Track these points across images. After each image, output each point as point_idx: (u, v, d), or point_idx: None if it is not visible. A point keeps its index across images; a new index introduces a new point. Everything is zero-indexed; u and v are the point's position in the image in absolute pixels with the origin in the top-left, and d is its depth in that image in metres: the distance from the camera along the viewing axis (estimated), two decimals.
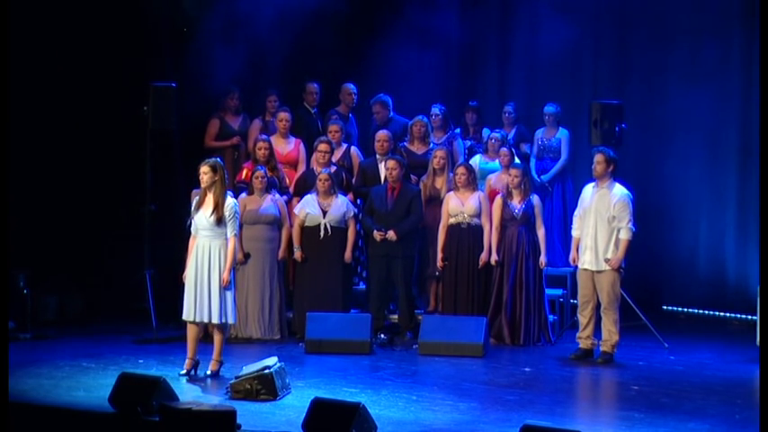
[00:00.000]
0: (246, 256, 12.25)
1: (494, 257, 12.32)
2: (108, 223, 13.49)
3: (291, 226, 12.50)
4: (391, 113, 13.69)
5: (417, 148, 13.17)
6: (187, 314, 10.50)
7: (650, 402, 9.86)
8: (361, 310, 12.72)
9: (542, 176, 13.68)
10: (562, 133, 13.73)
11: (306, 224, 12.44)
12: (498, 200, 12.41)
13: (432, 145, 13.16)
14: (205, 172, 10.46)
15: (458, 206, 12.41)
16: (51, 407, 9.19)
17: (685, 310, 14.37)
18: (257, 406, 9.37)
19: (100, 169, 13.52)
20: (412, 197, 12.49)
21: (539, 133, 13.82)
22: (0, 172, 10.07)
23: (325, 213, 12.41)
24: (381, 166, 12.82)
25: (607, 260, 11.48)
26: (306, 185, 12.75)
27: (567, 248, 12.54)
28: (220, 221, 10.44)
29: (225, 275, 10.45)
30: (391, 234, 12.34)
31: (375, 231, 12.38)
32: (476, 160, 13.20)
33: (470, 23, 15.27)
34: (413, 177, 12.89)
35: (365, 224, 12.59)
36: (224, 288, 10.42)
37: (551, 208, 13.60)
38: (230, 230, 10.50)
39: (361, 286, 13.14)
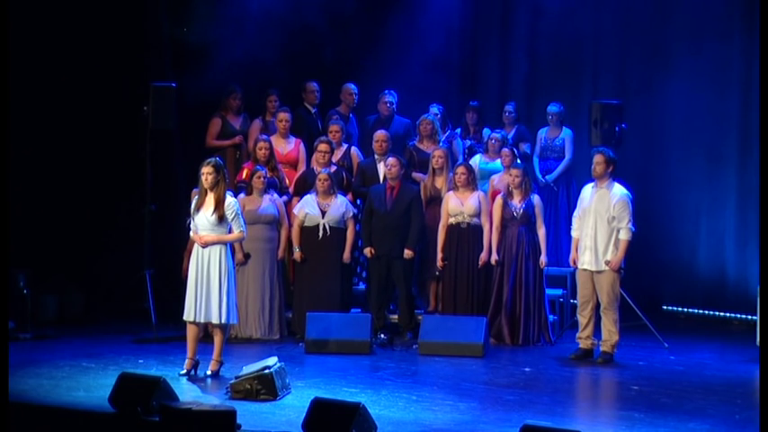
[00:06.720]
0: (246, 256, 12.25)
1: (494, 257, 12.32)
2: (108, 223, 13.50)
3: (290, 226, 12.51)
4: (395, 112, 13.72)
5: (426, 147, 13.15)
6: (188, 314, 10.49)
7: (650, 402, 9.86)
8: (361, 310, 12.72)
9: (547, 176, 13.69)
10: (566, 133, 13.74)
11: (305, 224, 12.44)
12: (499, 200, 12.42)
13: (441, 143, 13.16)
14: (209, 173, 10.44)
15: (457, 206, 12.41)
16: (51, 407, 9.18)
17: (685, 310, 14.37)
18: (257, 406, 9.37)
19: (100, 169, 13.53)
20: (411, 199, 12.48)
21: (542, 133, 13.84)
22: (0, 172, 10.07)
23: (324, 213, 12.41)
24: (380, 166, 12.83)
25: (607, 262, 11.48)
26: (306, 185, 12.75)
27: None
28: (222, 220, 10.44)
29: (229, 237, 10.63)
30: (409, 253, 12.35)
31: (367, 249, 12.43)
32: (476, 160, 13.21)
33: (471, 23, 15.30)
34: (423, 176, 12.88)
35: (364, 232, 12.59)
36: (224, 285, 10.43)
37: (557, 208, 13.60)
38: (236, 227, 10.51)
39: (361, 286, 13.15)
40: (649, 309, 12.92)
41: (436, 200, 12.69)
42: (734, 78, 13.96)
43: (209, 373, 10.53)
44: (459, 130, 13.94)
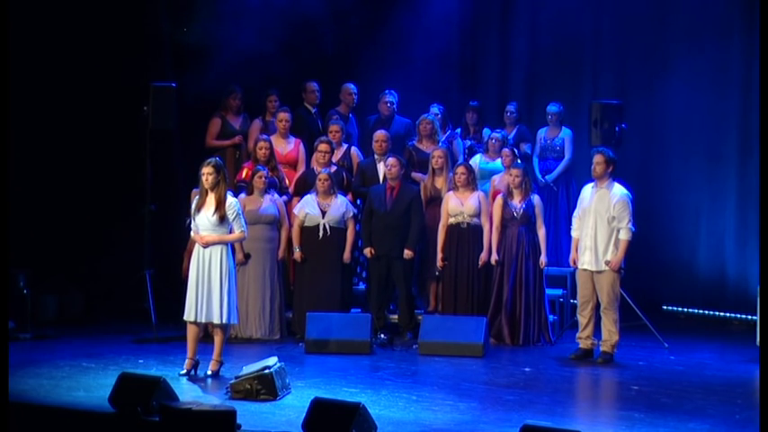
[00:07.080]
0: (247, 256, 12.25)
1: (494, 257, 12.32)
2: (108, 223, 13.50)
3: (291, 226, 12.51)
4: (395, 112, 13.72)
5: (426, 147, 13.15)
6: (188, 314, 10.48)
7: (650, 402, 9.86)
8: (361, 310, 12.72)
9: (546, 176, 13.69)
10: (565, 133, 13.75)
11: (305, 224, 12.44)
12: (499, 200, 12.42)
13: (441, 143, 13.16)
14: (210, 173, 10.44)
15: (457, 206, 12.41)
16: (51, 407, 9.18)
17: (685, 310, 14.37)
18: (257, 406, 9.37)
19: (100, 169, 13.53)
20: (411, 199, 12.47)
21: (541, 133, 13.84)
22: (0, 172, 10.07)
23: (324, 213, 12.41)
24: (380, 166, 12.83)
25: (607, 262, 11.48)
26: (306, 185, 12.75)
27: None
28: (223, 220, 10.44)
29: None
30: (408, 253, 12.35)
31: (367, 249, 12.42)
32: (476, 160, 13.21)
33: (471, 22, 15.30)
34: (423, 176, 12.88)
35: (363, 232, 12.58)
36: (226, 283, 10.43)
37: (557, 208, 13.60)
38: (237, 227, 10.51)
39: (361, 286, 13.15)
40: (649, 309, 12.91)
41: (436, 200, 12.68)
42: (734, 78, 13.96)
43: (209, 373, 10.52)
44: (459, 130, 13.94)
